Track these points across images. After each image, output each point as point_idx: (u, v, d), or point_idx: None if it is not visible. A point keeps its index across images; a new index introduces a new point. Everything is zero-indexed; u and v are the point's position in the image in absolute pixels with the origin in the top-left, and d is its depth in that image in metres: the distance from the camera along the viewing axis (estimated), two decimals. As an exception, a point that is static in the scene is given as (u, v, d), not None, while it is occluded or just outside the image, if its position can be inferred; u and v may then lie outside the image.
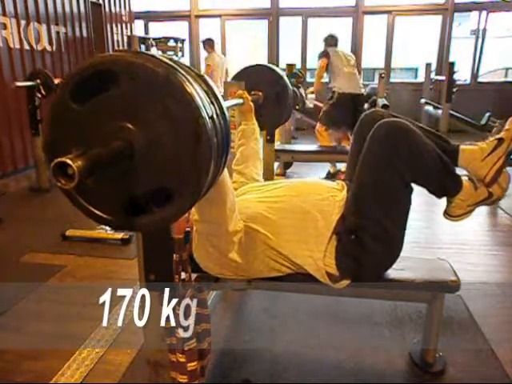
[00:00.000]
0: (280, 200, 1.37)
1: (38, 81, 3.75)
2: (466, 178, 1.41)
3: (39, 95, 3.81)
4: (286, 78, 2.37)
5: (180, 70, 0.79)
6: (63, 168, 0.64)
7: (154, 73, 0.76)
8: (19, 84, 3.69)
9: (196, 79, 0.81)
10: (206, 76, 0.87)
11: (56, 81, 3.87)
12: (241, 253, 1.25)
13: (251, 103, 1.83)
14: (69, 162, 0.63)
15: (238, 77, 2.26)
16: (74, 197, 0.84)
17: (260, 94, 2.14)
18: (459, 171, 1.41)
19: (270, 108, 2.21)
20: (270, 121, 2.36)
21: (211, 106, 0.82)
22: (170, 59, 0.81)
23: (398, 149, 1.26)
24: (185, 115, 0.76)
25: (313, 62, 7.97)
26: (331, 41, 4.58)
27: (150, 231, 1.12)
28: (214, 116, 0.81)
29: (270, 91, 2.24)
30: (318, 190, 1.40)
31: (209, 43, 6.15)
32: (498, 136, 1.40)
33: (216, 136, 0.80)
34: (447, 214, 1.45)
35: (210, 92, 0.84)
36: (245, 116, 1.82)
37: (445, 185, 1.38)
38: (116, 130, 0.78)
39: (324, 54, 4.41)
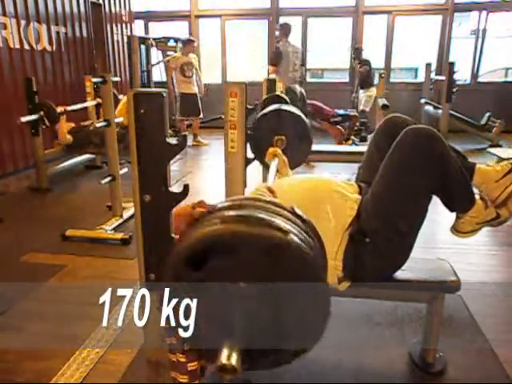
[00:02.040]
0: (293, 198, 1.36)
1: (42, 113, 3.82)
2: (478, 196, 1.43)
3: (43, 126, 3.90)
4: (304, 117, 2.42)
5: (287, 221, 0.82)
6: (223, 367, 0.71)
7: (271, 241, 0.78)
8: (24, 119, 3.74)
9: (293, 220, 0.85)
10: (298, 211, 0.89)
11: (58, 109, 3.88)
12: None
13: (284, 157, 1.92)
14: (228, 364, 0.70)
15: (260, 123, 2.33)
16: None
17: (283, 138, 2.21)
18: None
19: (293, 149, 2.27)
20: (295, 161, 2.38)
21: (315, 244, 0.86)
22: (278, 214, 0.83)
23: (428, 156, 1.27)
24: (304, 275, 0.80)
25: (313, 61, 7.99)
26: (286, 29, 5.09)
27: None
28: (321, 256, 0.87)
29: (291, 133, 2.30)
30: (331, 185, 1.40)
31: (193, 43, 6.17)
32: None
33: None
34: (455, 229, 1.47)
35: (309, 227, 0.88)
36: (280, 171, 1.87)
37: (461, 198, 1.40)
38: (235, 294, 0.81)
39: (274, 62, 5.00)
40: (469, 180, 1.38)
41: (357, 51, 6.61)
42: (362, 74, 6.42)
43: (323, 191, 1.37)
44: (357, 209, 1.34)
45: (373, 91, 6.34)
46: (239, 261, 0.80)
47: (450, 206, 1.41)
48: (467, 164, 1.41)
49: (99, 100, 3.96)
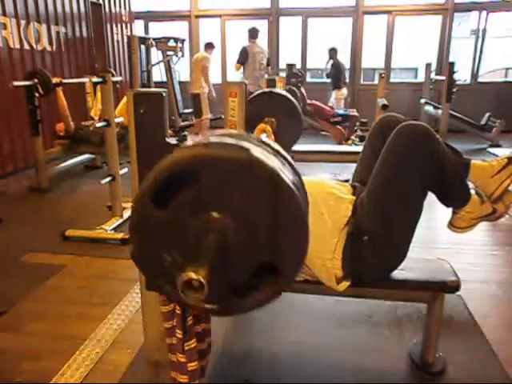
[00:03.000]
0: None
1: (36, 80, 3.75)
2: (473, 191, 1.43)
3: (37, 94, 3.80)
4: (295, 101, 2.41)
5: (252, 144, 0.78)
6: (188, 283, 0.66)
7: (235, 160, 0.74)
8: (17, 83, 3.68)
9: (262, 146, 0.81)
10: (267, 139, 0.87)
11: (54, 80, 3.86)
12: None
13: (273, 136, 1.93)
14: (195, 276, 0.65)
15: (249, 105, 2.32)
16: (176, 295, 0.82)
17: (273, 120, 2.20)
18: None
19: (283, 131, 2.26)
20: (285, 143, 2.37)
21: (286, 168, 0.82)
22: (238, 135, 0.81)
23: (421, 152, 1.27)
24: (274, 190, 0.75)
25: (313, 61, 7.99)
26: (253, 33, 5.75)
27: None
28: (293, 179, 0.80)
29: (281, 116, 2.29)
30: (324, 188, 1.40)
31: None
32: (508, 155, 1.43)
33: (302, 198, 0.80)
34: (452, 225, 1.48)
35: (277, 152, 0.84)
36: None
37: (456, 194, 1.40)
38: (204, 223, 0.76)
39: (241, 60, 5.72)
40: (463, 176, 1.38)
41: (332, 52, 6.75)
42: (331, 76, 6.68)
43: (317, 194, 1.36)
44: (352, 209, 1.34)
45: (337, 93, 6.64)
46: (203, 187, 0.76)
47: (445, 202, 1.42)
48: (462, 160, 1.41)
49: (97, 79, 3.88)
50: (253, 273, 0.81)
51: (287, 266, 0.80)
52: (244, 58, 5.73)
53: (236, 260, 0.80)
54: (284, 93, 2.40)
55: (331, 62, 6.65)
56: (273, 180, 0.75)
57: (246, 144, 0.77)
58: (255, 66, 5.66)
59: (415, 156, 1.28)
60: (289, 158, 0.87)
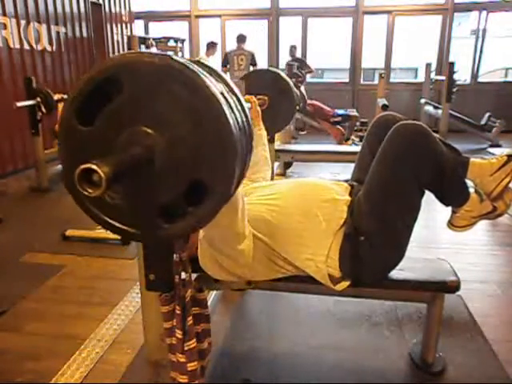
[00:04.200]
0: (281, 204, 1.36)
1: (39, 99, 3.77)
2: (473, 189, 1.42)
3: (40, 113, 3.83)
4: (290, 81, 2.38)
5: (174, 56, 0.76)
6: (87, 176, 0.62)
7: (152, 64, 0.72)
8: (20, 104, 3.69)
9: (194, 63, 0.78)
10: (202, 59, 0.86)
11: (56, 97, 3.87)
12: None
13: (258, 108, 1.84)
14: (94, 167, 0.61)
15: (243, 81, 2.29)
16: (98, 215, 0.83)
17: (265, 98, 2.16)
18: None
19: (274, 112, 2.21)
20: (275, 124, 2.35)
21: (218, 83, 0.79)
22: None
23: (419, 152, 1.27)
24: (197, 96, 0.71)
25: (313, 61, 8.00)
26: (240, 39, 6.36)
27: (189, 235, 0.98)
28: (225, 93, 0.77)
29: (274, 95, 2.24)
30: (319, 191, 1.40)
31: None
32: (507, 153, 1.42)
33: (233, 112, 0.76)
34: (451, 224, 1.47)
35: (212, 71, 0.82)
36: (252, 121, 1.82)
37: (454, 193, 1.40)
38: (130, 138, 0.74)
39: (224, 63, 6.36)
40: (462, 175, 1.37)
41: (293, 50, 7.04)
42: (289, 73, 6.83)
43: (312, 196, 1.36)
44: (347, 210, 1.34)
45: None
46: (126, 99, 0.73)
47: (444, 201, 1.41)
48: (461, 158, 1.40)
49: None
50: (182, 194, 0.77)
51: (217, 183, 0.76)
52: (225, 61, 6.38)
53: (161, 178, 0.76)
54: (278, 71, 2.37)
55: (291, 59, 6.84)
56: (193, 83, 0.71)
57: (166, 54, 0.76)
58: (234, 68, 6.28)
59: (412, 155, 1.27)
60: (227, 79, 0.84)
